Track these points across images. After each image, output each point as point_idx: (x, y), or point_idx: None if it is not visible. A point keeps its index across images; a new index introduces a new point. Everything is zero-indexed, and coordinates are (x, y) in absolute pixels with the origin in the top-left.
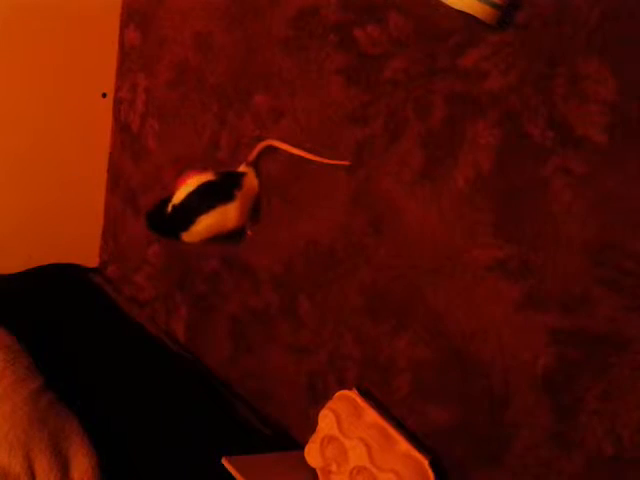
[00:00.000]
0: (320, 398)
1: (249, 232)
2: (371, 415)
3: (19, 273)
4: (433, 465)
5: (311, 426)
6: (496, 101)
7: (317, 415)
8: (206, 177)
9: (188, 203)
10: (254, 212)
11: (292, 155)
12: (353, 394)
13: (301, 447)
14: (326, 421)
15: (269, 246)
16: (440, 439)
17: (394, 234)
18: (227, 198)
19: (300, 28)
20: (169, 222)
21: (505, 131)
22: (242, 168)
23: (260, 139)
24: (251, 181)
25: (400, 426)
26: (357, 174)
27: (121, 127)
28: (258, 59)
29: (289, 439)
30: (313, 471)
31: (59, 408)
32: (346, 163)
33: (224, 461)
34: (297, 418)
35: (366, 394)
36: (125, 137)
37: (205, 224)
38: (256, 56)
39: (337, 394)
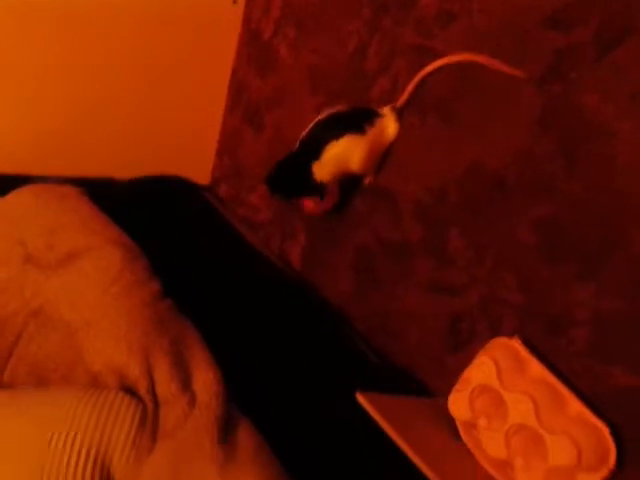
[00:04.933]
0: (463, 344)
1: (366, 181)
2: (537, 369)
3: (131, 180)
4: (613, 435)
5: (445, 372)
6: None
7: (456, 362)
8: (337, 108)
9: (316, 132)
10: (379, 162)
11: (458, 66)
12: (516, 343)
13: (428, 392)
14: (483, 369)
15: (417, 171)
16: (622, 407)
17: (594, 162)
18: (356, 129)
19: None
20: (295, 164)
21: None
22: (383, 110)
23: (421, 49)
24: (386, 126)
25: (570, 385)
26: (550, 89)
27: (250, 37)
28: None
29: (413, 381)
30: (451, 421)
31: (179, 315)
32: (519, 73)
33: (359, 396)
34: (428, 362)
35: (528, 345)
36: (253, 49)
37: (333, 153)
38: None
39: (495, 341)
